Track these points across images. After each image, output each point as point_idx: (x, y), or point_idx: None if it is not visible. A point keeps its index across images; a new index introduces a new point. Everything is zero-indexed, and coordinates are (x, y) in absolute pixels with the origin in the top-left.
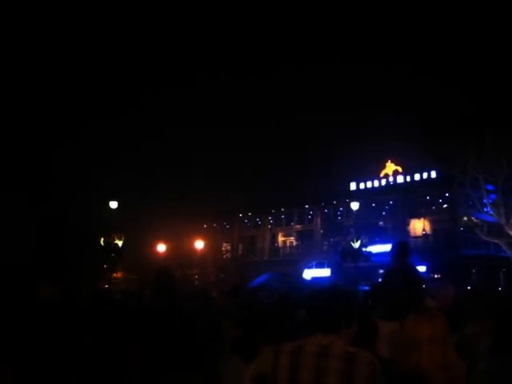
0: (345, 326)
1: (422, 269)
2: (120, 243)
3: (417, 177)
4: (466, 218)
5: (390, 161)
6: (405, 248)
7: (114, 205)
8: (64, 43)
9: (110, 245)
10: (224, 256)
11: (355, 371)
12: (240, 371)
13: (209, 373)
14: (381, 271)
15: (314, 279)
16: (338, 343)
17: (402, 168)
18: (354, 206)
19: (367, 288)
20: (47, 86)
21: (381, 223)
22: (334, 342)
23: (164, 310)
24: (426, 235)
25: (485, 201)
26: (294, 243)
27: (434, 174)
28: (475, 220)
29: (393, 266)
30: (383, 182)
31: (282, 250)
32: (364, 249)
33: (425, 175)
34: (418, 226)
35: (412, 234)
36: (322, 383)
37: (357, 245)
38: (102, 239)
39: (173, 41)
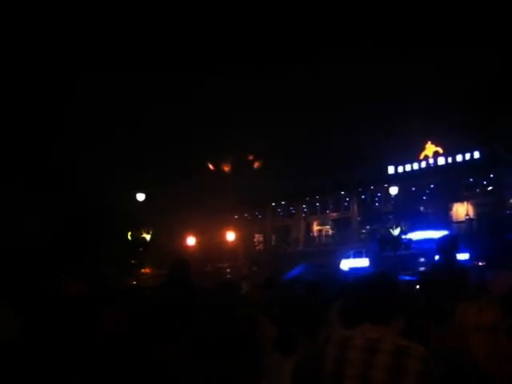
0: (394, 315)
1: (465, 256)
2: (148, 237)
3: (459, 158)
4: None
5: (429, 142)
6: (450, 242)
7: (141, 197)
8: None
9: (138, 239)
10: (256, 248)
11: (406, 366)
12: (280, 368)
13: (250, 364)
14: (422, 260)
15: (353, 269)
16: (389, 336)
17: (443, 149)
18: (393, 190)
19: (408, 278)
20: (77, 82)
21: (421, 208)
22: (384, 335)
23: (179, 304)
24: (469, 220)
25: None
26: (330, 232)
27: (477, 155)
28: None
29: (438, 260)
30: (423, 164)
31: (317, 240)
32: (404, 236)
33: (467, 156)
34: (461, 211)
35: (454, 218)
36: (368, 379)
37: (396, 232)
38: (130, 233)
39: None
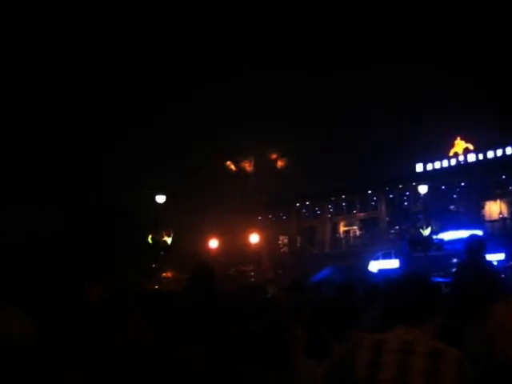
0: (428, 317)
1: (500, 256)
2: (169, 240)
3: (490, 154)
4: None
5: (459, 138)
6: (477, 243)
7: (161, 199)
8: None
9: (159, 242)
10: (281, 250)
11: (442, 370)
12: (310, 373)
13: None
14: (454, 260)
15: (382, 271)
16: (423, 338)
17: (474, 145)
18: (422, 189)
19: (440, 279)
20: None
21: (452, 207)
22: (419, 338)
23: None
24: (503, 219)
25: None
26: (358, 233)
27: (509, 151)
28: None
29: (465, 261)
30: (453, 161)
31: (344, 241)
32: (435, 236)
33: (499, 152)
34: (494, 209)
35: (487, 217)
36: (403, 382)
37: (427, 232)
38: (150, 236)
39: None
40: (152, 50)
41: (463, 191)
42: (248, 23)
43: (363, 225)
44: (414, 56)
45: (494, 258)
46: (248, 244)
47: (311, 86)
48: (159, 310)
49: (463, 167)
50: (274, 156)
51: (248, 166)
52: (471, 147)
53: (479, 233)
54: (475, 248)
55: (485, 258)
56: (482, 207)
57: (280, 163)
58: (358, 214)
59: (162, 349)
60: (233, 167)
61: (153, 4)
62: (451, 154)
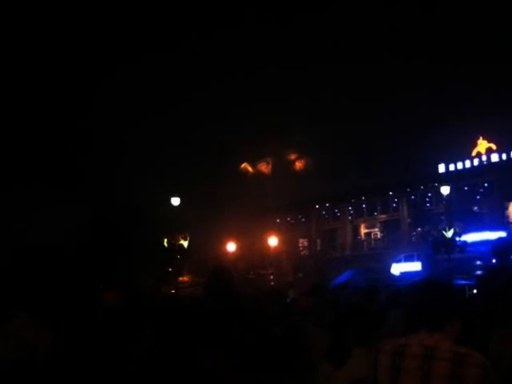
0: (449, 320)
1: None
2: (185, 244)
3: None
4: None
5: (481, 137)
6: (505, 245)
7: (176, 201)
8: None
9: (175, 246)
10: (301, 253)
11: (465, 375)
12: (332, 378)
13: (298, 374)
14: (478, 263)
15: (404, 274)
16: (445, 343)
17: (496, 145)
18: (445, 190)
19: (464, 282)
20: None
21: (475, 208)
22: (441, 342)
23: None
24: None
25: None
26: (379, 235)
27: None
28: None
29: (494, 264)
30: (476, 161)
31: (365, 244)
32: (458, 238)
33: None
34: None
35: (511, 219)
36: None
37: (449, 234)
38: (166, 240)
39: None
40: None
41: (486, 192)
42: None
43: (384, 227)
44: (437, 55)
45: None
46: (267, 247)
47: (329, 85)
48: (174, 316)
49: (486, 167)
50: (292, 157)
51: (265, 168)
52: (494, 147)
53: (503, 234)
54: (503, 250)
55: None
56: (506, 208)
57: (298, 164)
58: (380, 216)
59: (186, 359)
60: (249, 169)
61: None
62: (474, 154)
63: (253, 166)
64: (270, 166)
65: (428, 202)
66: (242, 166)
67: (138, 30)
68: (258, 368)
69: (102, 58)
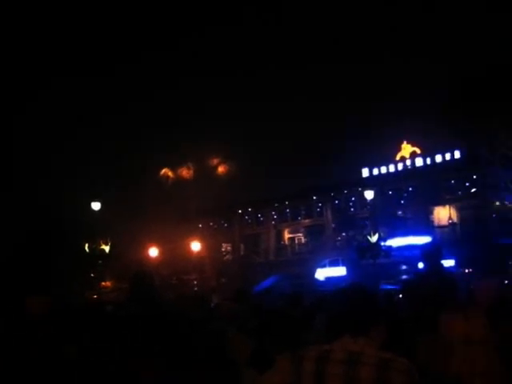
0: (373, 325)
1: (449, 263)
2: (107, 249)
3: (438, 158)
4: (497, 203)
5: (405, 142)
6: (435, 248)
7: (96, 206)
8: None
9: (96, 251)
10: (224, 258)
11: (390, 380)
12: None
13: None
14: (403, 267)
15: (329, 279)
16: (370, 348)
17: (421, 149)
18: (368, 194)
19: (390, 287)
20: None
21: (400, 213)
22: (365, 347)
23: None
24: (452, 224)
25: None
26: (303, 240)
27: (457, 155)
28: (509, 204)
29: (423, 269)
30: (400, 166)
31: (289, 249)
32: (383, 243)
33: (447, 156)
34: (443, 215)
35: (436, 223)
36: None
37: (374, 239)
38: (87, 245)
39: None
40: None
41: (411, 196)
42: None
43: (309, 232)
44: (365, 58)
45: (444, 264)
46: (190, 252)
47: (252, 87)
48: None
49: (411, 172)
50: (214, 162)
51: (186, 173)
52: (418, 151)
53: (428, 239)
54: (433, 254)
55: (442, 265)
56: (431, 213)
57: (221, 169)
58: (303, 221)
59: (110, 361)
60: (170, 174)
61: None
62: (398, 158)
63: (173, 171)
64: (191, 172)
65: (352, 207)
66: (162, 171)
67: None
68: (180, 369)
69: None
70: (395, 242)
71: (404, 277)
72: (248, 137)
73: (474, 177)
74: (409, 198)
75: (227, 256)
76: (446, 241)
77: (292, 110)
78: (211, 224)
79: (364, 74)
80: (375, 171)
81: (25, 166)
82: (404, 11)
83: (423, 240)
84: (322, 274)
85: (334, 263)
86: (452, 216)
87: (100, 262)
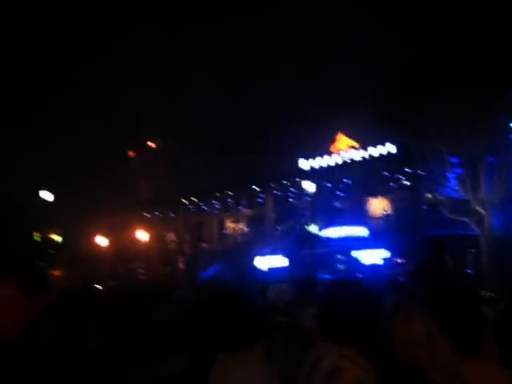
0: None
1: (384, 254)
2: (58, 238)
3: (373, 151)
4: (429, 195)
5: (340, 133)
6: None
7: (46, 195)
8: None
9: (46, 240)
10: (169, 246)
11: None
12: None
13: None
14: (339, 257)
15: (272, 270)
16: (333, 353)
17: (357, 142)
18: (306, 185)
19: (327, 277)
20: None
21: (337, 204)
22: (329, 352)
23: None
24: (386, 216)
25: (449, 175)
26: (245, 229)
27: (391, 148)
28: (440, 197)
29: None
30: (337, 158)
31: (231, 238)
32: (321, 233)
33: (383, 150)
34: (378, 206)
35: (372, 214)
36: None
37: (313, 229)
38: (38, 235)
39: None
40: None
41: (347, 188)
42: None
43: (250, 222)
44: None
45: (379, 254)
46: (136, 241)
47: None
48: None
49: (346, 164)
50: (154, 145)
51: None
52: (354, 144)
53: (364, 230)
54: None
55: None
56: (366, 204)
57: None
58: (245, 211)
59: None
60: (130, 153)
61: None
62: (334, 149)
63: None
64: (137, 152)
65: (292, 198)
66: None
67: None
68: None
69: None
70: (332, 232)
71: (340, 266)
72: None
73: (407, 170)
74: (345, 189)
75: (172, 244)
76: (379, 232)
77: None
78: (156, 213)
79: (299, 57)
80: (312, 162)
81: None
82: None
83: (358, 230)
84: (262, 262)
85: (273, 252)
86: (385, 207)
87: (50, 250)
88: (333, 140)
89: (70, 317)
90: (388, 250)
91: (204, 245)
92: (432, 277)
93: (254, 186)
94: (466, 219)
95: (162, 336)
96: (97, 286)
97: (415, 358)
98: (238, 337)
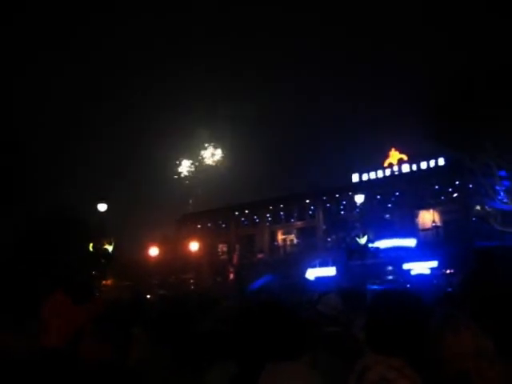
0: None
1: (432, 264)
2: (110, 248)
3: (423, 165)
4: (478, 208)
5: (393, 149)
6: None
7: (102, 207)
8: None
9: (100, 250)
10: (220, 258)
11: None
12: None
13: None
14: (389, 268)
15: (318, 279)
16: (380, 365)
17: (408, 156)
18: (358, 198)
19: (376, 287)
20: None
21: (387, 216)
22: (376, 363)
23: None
24: (436, 227)
25: (498, 188)
26: (295, 241)
27: (441, 162)
28: (488, 209)
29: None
30: (388, 172)
31: (282, 249)
32: (371, 244)
33: (432, 163)
34: (428, 218)
35: (421, 226)
36: None
37: (363, 240)
38: (91, 245)
39: None
40: None
41: (398, 201)
42: None
43: (301, 233)
44: (349, 60)
45: (427, 265)
46: (188, 252)
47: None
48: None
49: (397, 177)
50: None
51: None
52: (405, 158)
53: (413, 241)
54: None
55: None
56: (416, 216)
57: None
58: (296, 223)
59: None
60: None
61: None
62: (386, 164)
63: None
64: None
65: (342, 210)
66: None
67: None
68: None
69: None
70: (382, 243)
71: (389, 277)
72: (243, 143)
73: (457, 183)
74: (395, 202)
75: (223, 256)
76: (429, 243)
77: (287, 125)
78: (209, 225)
79: (349, 80)
80: (364, 176)
81: (31, 168)
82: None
83: (408, 242)
84: (312, 273)
85: (323, 264)
86: (435, 219)
87: (103, 260)
88: (386, 155)
89: (116, 326)
90: (437, 261)
91: (255, 256)
92: (482, 287)
93: (306, 200)
94: None
95: (210, 345)
96: (147, 295)
97: (463, 369)
98: (287, 346)
